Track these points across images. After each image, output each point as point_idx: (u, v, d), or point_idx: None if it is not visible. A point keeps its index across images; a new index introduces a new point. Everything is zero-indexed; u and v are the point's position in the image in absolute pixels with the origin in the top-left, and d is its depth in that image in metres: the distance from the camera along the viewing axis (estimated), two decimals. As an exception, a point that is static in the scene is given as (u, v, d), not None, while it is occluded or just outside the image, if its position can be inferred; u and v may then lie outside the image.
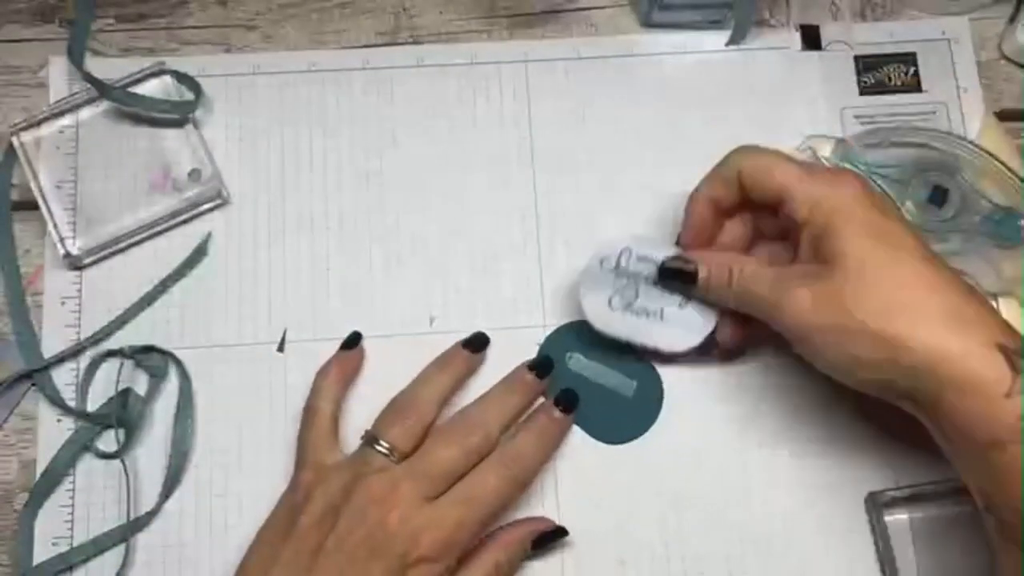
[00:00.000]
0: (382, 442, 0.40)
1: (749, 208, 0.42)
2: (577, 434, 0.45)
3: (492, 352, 0.46)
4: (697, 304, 0.43)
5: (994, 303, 0.47)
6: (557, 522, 0.43)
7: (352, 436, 0.44)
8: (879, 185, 0.46)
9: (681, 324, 0.43)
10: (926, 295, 0.35)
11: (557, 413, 0.43)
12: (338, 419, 0.43)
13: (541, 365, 0.43)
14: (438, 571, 0.38)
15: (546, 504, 0.44)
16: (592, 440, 0.45)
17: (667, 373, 0.46)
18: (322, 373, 0.44)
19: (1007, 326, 0.35)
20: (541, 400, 0.44)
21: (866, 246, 0.36)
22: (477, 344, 0.44)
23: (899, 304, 0.35)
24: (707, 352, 0.44)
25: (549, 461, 0.44)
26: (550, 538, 0.42)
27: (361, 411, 0.44)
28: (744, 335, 0.43)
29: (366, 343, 0.46)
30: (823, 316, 0.36)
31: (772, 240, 0.42)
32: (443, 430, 0.41)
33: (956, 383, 0.34)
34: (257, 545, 0.40)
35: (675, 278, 0.42)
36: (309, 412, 0.42)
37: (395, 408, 0.41)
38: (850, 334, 0.36)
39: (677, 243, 0.44)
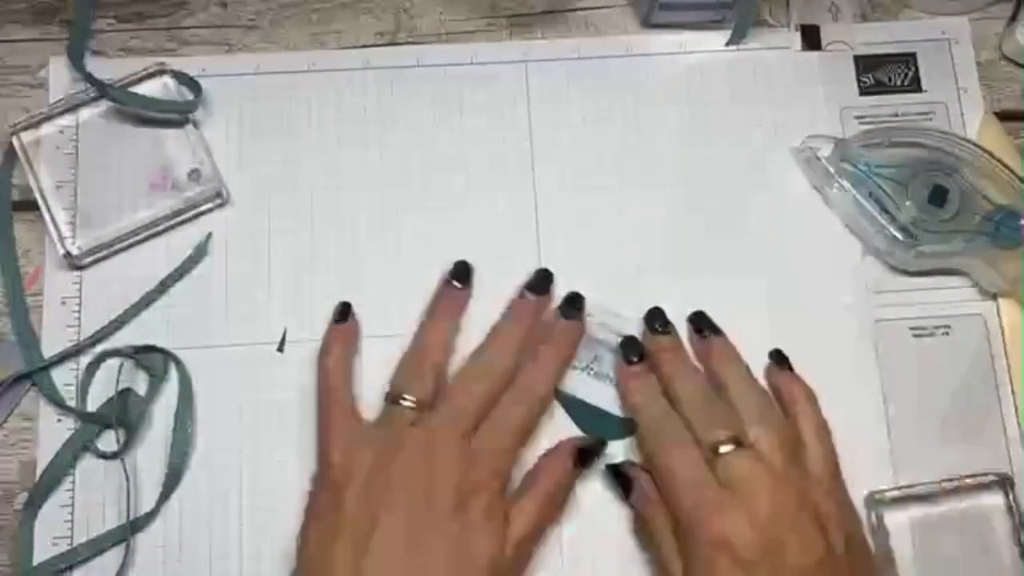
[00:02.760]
0: (406, 396, 0.41)
1: None
2: (575, 431, 0.45)
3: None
4: None
5: (994, 303, 0.47)
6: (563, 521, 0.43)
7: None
8: (879, 185, 0.46)
9: None
10: None
11: (563, 322, 0.44)
12: (353, 392, 0.43)
13: (537, 283, 0.45)
14: (497, 489, 0.40)
15: (546, 504, 0.44)
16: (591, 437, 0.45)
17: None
18: (325, 352, 0.44)
19: None
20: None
21: None
22: (462, 275, 0.45)
23: None
24: None
25: (567, 369, 0.45)
26: (591, 453, 0.43)
27: (363, 409, 0.44)
28: None
29: (366, 344, 0.46)
30: None
31: None
32: (463, 373, 0.42)
33: None
34: (308, 538, 0.40)
35: (615, 478, 0.43)
36: (324, 393, 0.43)
37: (408, 363, 0.43)
38: None
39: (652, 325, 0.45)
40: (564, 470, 0.42)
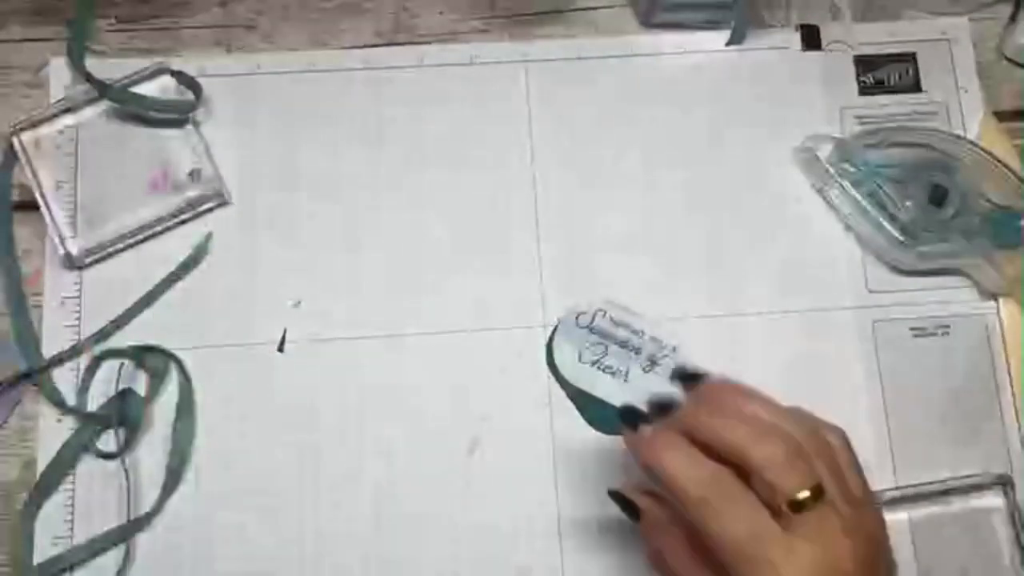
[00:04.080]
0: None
1: None
2: (580, 427, 0.45)
3: (493, 352, 0.46)
4: (661, 372, 0.44)
5: (994, 303, 0.47)
6: (558, 511, 0.43)
7: (350, 433, 0.44)
8: (879, 185, 0.46)
9: (643, 387, 0.44)
10: None
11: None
12: None
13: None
14: None
15: (546, 491, 0.44)
16: (594, 434, 0.45)
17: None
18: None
19: None
20: None
21: None
22: None
23: None
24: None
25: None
26: None
27: (366, 412, 0.44)
28: None
29: (366, 343, 0.46)
30: None
31: None
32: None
33: None
34: None
35: (619, 501, 0.40)
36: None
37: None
38: None
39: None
40: None
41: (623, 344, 0.45)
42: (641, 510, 0.39)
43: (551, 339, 0.46)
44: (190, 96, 0.48)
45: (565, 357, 0.46)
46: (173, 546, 0.43)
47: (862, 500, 0.36)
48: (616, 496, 0.41)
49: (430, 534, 0.44)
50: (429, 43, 0.51)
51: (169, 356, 0.45)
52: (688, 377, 0.40)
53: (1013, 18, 0.51)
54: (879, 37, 0.51)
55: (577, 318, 0.46)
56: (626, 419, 0.40)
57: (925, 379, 0.46)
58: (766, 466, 0.34)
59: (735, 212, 0.48)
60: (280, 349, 0.46)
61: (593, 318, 0.46)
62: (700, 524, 0.35)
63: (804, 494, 0.33)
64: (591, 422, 0.45)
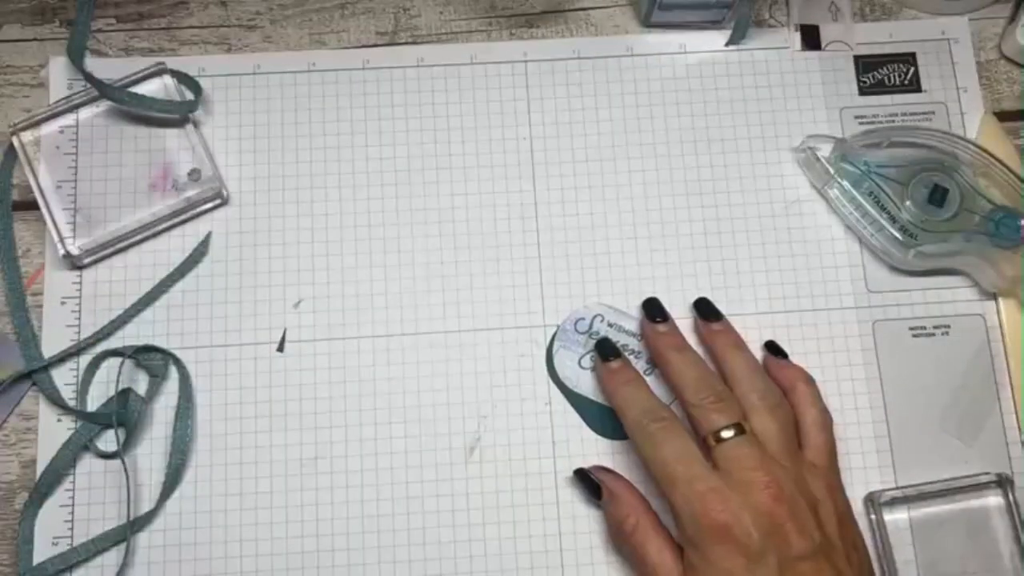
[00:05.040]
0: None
1: None
2: (580, 428, 0.45)
3: (493, 352, 0.46)
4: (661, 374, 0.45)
5: (994, 303, 0.47)
6: (558, 511, 0.43)
7: (350, 433, 0.44)
8: (879, 185, 0.46)
9: None
10: None
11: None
12: None
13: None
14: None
15: (546, 491, 0.44)
16: (594, 435, 0.45)
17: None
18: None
19: None
20: None
21: None
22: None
23: None
24: None
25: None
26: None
27: (365, 411, 0.44)
28: None
29: (366, 343, 0.46)
30: None
31: None
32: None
33: None
34: None
35: (582, 482, 0.44)
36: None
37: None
38: None
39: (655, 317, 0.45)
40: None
41: (622, 348, 0.45)
42: (602, 485, 0.43)
43: (551, 345, 0.46)
44: (190, 96, 0.48)
45: (565, 363, 0.46)
46: (173, 546, 0.43)
47: (810, 463, 0.41)
48: (579, 474, 0.44)
49: (430, 534, 0.44)
50: (429, 43, 0.51)
51: (169, 356, 0.45)
52: (706, 310, 0.46)
53: (1013, 18, 0.51)
54: (879, 37, 0.51)
55: (576, 324, 0.46)
56: (601, 351, 0.45)
57: (925, 379, 0.46)
58: (694, 403, 0.41)
59: (735, 212, 0.48)
60: (280, 349, 0.46)
61: (591, 323, 0.46)
62: (637, 446, 0.41)
63: (728, 432, 0.39)
64: (592, 426, 0.45)
